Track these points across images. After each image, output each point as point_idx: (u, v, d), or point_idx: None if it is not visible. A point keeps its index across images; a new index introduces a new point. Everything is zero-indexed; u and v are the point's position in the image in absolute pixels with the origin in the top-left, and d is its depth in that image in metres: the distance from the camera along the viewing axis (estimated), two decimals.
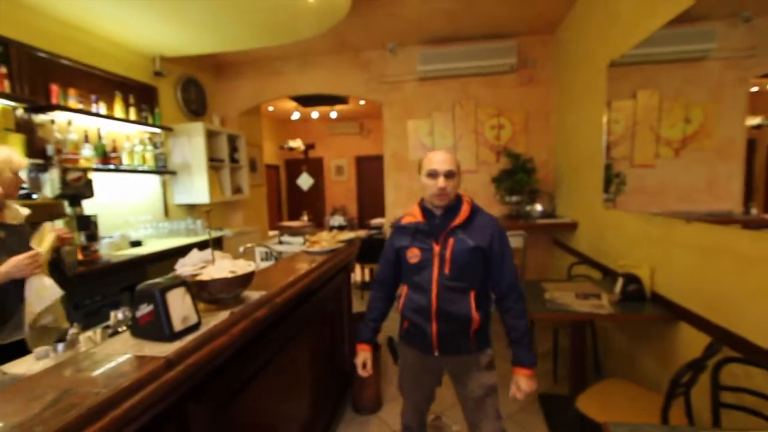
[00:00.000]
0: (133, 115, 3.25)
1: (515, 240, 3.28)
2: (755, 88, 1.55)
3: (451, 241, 1.42)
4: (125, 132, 3.26)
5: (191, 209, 4.06)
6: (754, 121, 1.55)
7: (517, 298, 1.46)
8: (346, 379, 2.51)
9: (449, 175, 1.40)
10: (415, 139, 4.29)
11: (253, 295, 1.31)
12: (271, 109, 7.16)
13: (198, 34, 3.12)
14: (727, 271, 1.58)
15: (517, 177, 3.80)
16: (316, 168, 8.89)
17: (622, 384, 1.86)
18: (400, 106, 4.29)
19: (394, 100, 4.29)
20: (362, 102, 6.37)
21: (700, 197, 1.90)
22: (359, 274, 5.33)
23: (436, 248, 1.43)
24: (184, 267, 1.17)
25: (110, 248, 2.82)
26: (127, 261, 2.63)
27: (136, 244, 3.04)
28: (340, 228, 2.74)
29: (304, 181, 7.16)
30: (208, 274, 1.13)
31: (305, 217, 8.26)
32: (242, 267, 1.19)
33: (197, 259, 1.21)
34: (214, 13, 2.75)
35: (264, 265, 2.49)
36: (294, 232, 3.20)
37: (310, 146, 8.43)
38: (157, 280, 0.98)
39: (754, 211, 1.56)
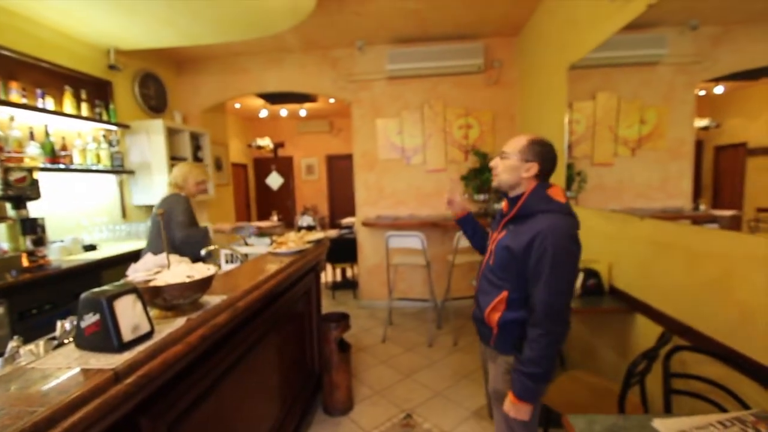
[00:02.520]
0: (85, 111, 3.06)
1: None
2: (702, 92, 1.65)
3: (503, 233, 1.36)
4: (77, 129, 3.07)
5: (151, 210, 3.87)
6: (702, 123, 1.63)
7: (542, 333, 1.22)
8: (316, 380, 2.48)
9: (502, 155, 1.37)
10: (385, 138, 4.29)
11: (213, 299, 1.26)
12: (237, 106, 6.95)
13: (154, 28, 2.97)
14: (677, 265, 1.67)
15: (485, 176, 3.87)
16: (285, 167, 8.73)
17: (583, 375, 1.93)
18: (369, 105, 4.27)
19: (363, 99, 4.27)
20: (332, 100, 6.30)
21: (654, 194, 2.01)
22: (330, 274, 5.28)
23: (493, 236, 1.43)
24: (136, 272, 1.11)
25: (61, 253, 2.65)
26: (79, 266, 2.47)
27: (91, 248, 2.87)
28: (309, 228, 2.69)
29: (274, 180, 7.01)
30: (162, 280, 1.07)
31: (275, 217, 8.09)
32: (200, 271, 1.14)
33: (151, 263, 1.15)
34: (169, 5, 2.62)
35: (229, 267, 2.41)
36: (261, 232, 3.12)
37: (279, 145, 8.28)
38: (105, 287, 0.92)
39: (702, 207, 1.65)
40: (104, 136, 3.26)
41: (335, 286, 5.14)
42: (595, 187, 2.54)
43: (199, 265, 1.20)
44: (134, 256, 2.90)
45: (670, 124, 1.89)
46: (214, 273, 1.17)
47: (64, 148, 2.85)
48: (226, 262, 2.50)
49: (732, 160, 1.48)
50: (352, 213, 6.17)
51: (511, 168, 1.34)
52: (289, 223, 8.54)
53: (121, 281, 1.09)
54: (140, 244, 3.13)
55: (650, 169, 2.02)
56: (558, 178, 2.93)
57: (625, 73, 2.22)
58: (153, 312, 1.09)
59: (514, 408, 1.27)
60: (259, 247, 2.59)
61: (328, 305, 4.53)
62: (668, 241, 1.74)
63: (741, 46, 1.43)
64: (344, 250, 4.80)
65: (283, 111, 7.23)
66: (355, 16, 3.42)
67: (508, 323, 1.34)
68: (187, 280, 1.08)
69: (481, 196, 4.00)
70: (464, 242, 3.32)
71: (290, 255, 2.09)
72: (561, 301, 1.23)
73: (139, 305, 0.93)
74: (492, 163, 1.41)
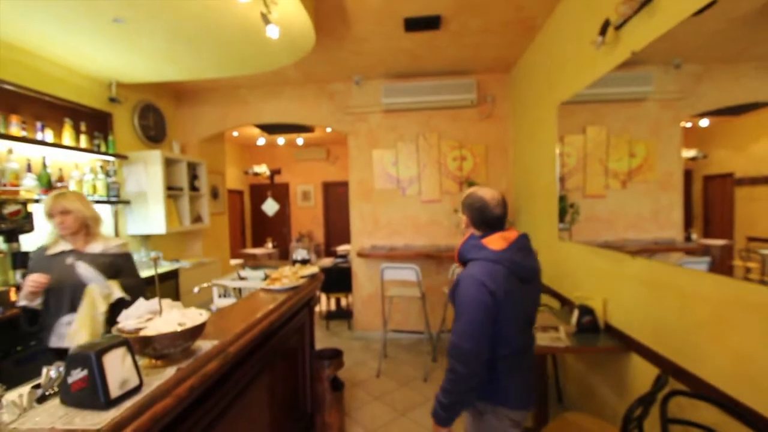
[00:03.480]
0: (84, 143, 3.09)
1: None
2: (689, 124, 1.71)
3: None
4: (74, 160, 3.09)
5: (146, 240, 3.85)
6: (690, 153, 1.68)
7: (449, 369, 1.31)
8: (308, 420, 2.40)
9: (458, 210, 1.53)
10: (381, 169, 4.35)
11: (204, 345, 1.24)
12: (235, 134, 7.05)
13: (156, 63, 3.05)
14: (670, 305, 1.68)
15: None
16: (281, 193, 8.77)
17: (581, 418, 1.89)
18: (366, 136, 4.36)
19: (359, 130, 4.36)
20: (329, 129, 6.42)
21: (646, 225, 2.02)
22: (324, 303, 5.22)
23: None
24: (128, 320, 1.10)
25: None
26: None
27: None
28: (303, 262, 2.68)
29: (270, 206, 7.03)
30: (154, 328, 1.06)
31: (269, 244, 8.05)
32: (192, 318, 1.13)
33: (143, 309, 1.14)
34: (171, 44, 2.71)
35: (222, 302, 2.39)
36: (255, 264, 3.10)
37: (275, 171, 8.35)
38: (96, 340, 0.91)
39: (694, 236, 1.66)
40: (101, 166, 3.28)
41: (329, 316, 5.06)
42: (587, 218, 2.58)
43: (191, 310, 1.19)
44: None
45: (659, 157, 1.94)
46: (206, 319, 1.15)
47: (60, 179, 2.86)
48: (219, 296, 2.47)
49: (720, 190, 1.50)
50: (347, 240, 6.17)
51: (463, 220, 1.52)
52: (283, 250, 8.51)
53: (113, 331, 1.08)
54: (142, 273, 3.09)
55: (641, 201, 2.05)
56: (551, 212, 2.98)
57: (613, 108, 2.30)
58: (142, 361, 1.08)
59: (434, 429, 1.38)
60: (252, 281, 2.56)
61: (321, 337, 4.46)
62: (660, 280, 1.75)
63: (722, 83, 1.48)
64: (339, 280, 4.77)
65: (281, 139, 7.33)
66: (354, 54, 3.54)
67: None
68: (179, 328, 1.07)
69: None
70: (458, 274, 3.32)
71: (284, 292, 2.08)
72: (464, 344, 1.28)
73: (128, 359, 0.91)
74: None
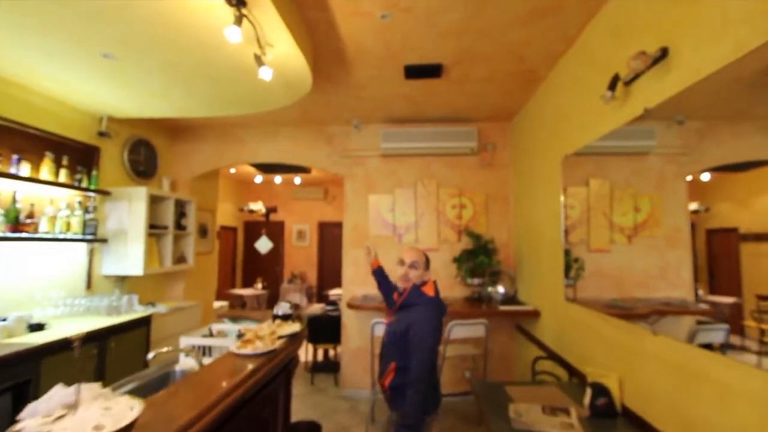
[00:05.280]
0: (64, 177, 2.93)
1: (476, 329, 3.08)
2: (689, 177, 1.68)
3: (394, 318, 1.97)
4: (50, 195, 2.91)
5: (121, 281, 3.59)
6: (692, 206, 1.65)
7: (416, 388, 1.73)
8: None
9: (412, 265, 1.98)
10: (376, 214, 4.18)
11: None
12: (232, 171, 6.97)
13: (148, 100, 2.97)
14: (705, 397, 1.43)
15: (479, 260, 3.70)
16: (276, 232, 8.57)
17: None
18: (363, 180, 4.23)
19: (356, 174, 4.24)
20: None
21: (655, 283, 1.88)
22: (310, 352, 4.84)
23: (387, 319, 2.07)
24: (33, 418, 0.85)
25: (1, 334, 2.33)
26: (15, 354, 2.14)
27: (37, 328, 2.55)
28: (285, 318, 2.43)
29: (263, 244, 6.80)
30: (61, 430, 0.81)
31: (259, 285, 7.74)
32: (117, 415, 0.89)
33: (56, 401, 0.89)
34: (164, 81, 2.63)
35: (187, 363, 2.11)
36: (236, 316, 2.84)
37: (271, 209, 8.20)
38: None
39: (700, 292, 1.59)
40: (80, 202, 3.10)
41: (315, 369, 4.68)
42: (592, 274, 2.41)
43: (120, 402, 0.95)
44: (88, 338, 2.59)
45: (664, 212, 1.85)
46: (137, 417, 0.91)
47: (31, 215, 2.67)
48: (186, 356, 2.19)
49: (725, 245, 1.48)
50: (340, 283, 5.90)
51: (420, 274, 1.97)
52: (274, 290, 8.17)
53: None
54: (99, 321, 2.82)
55: (648, 257, 1.93)
56: (555, 269, 2.77)
57: (617, 161, 2.22)
58: None
59: None
60: (227, 338, 2.30)
61: (304, 393, 4.08)
62: (690, 365, 1.51)
63: (724, 140, 1.48)
64: (327, 329, 4.45)
65: (278, 178, 7.24)
66: (352, 98, 3.48)
67: (396, 386, 1.84)
68: None
69: (475, 280, 3.79)
70: (457, 332, 3.05)
71: (257, 357, 1.82)
72: (424, 370, 1.74)
73: None
74: (402, 271, 1.99)
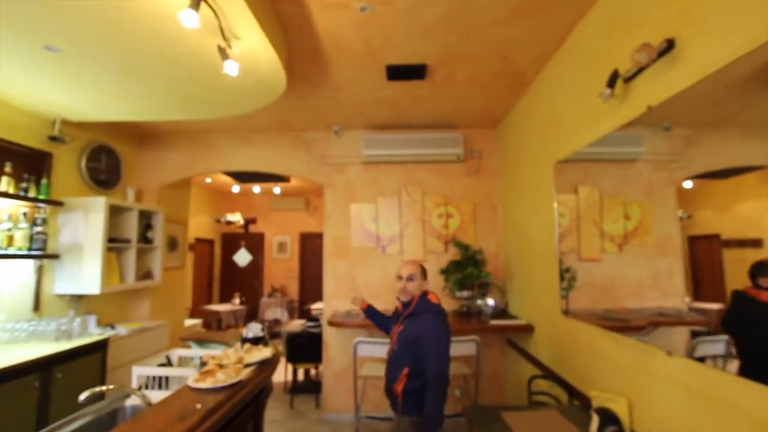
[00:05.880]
0: (5, 185, 2.61)
1: (467, 346, 2.87)
2: (686, 183, 1.64)
3: (401, 326, 2.04)
4: None
5: (77, 301, 3.24)
6: (677, 214, 1.65)
7: (433, 386, 1.85)
8: None
9: (409, 278, 2.08)
10: (359, 225, 3.96)
11: None
12: (208, 180, 6.66)
13: (103, 100, 2.69)
14: (734, 429, 1.24)
15: (468, 271, 3.51)
16: (256, 244, 8.23)
17: None
18: (344, 189, 4.01)
19: (336, 183, 4.02)
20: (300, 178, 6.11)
21: (647, 293, 1.83)
22: (289, 371, 4.52)
23: (394, 328, 2.12)
24: None
25: None
26: None
27: None
28: (255, 341, 2.16)
29: (242, 257, 6.48)
30: None
31: (237, 300, 7.36)
32: None
33: None
34: (118, 80, 2.37)
35: (134, 400, 1.82)
36: (203, 339, 2.55)
37: (250, 221, 7.87)
38: None
39: (687, 299, 1.58)
40: (25, 213, 2.77)
41: (295, 390, 4.36)
42: (584, 284, 2.30)
43: None
44: (23, 370, 2.26)
45: (655, 219, 1.81)
46: None
47: None
48: (139, 388, 1.90)
49: (707, 251, 1.49)
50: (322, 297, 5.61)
51: (418, 285, 2.07)
52: (253, 305, 7.79)
53: None
54: (44, 348, 2.49)
55: (639, 266, 1.88)
56: (549, 280, 2.60)
57: (605, 168, 2.16)
58: None
59: None
60: (188, 367, 2.02)
61: (282, 418, 3.77)
62: (713, 393, 1.33)
63: (711, 147, 1.47)
64: (308, 348, 4.16)
65: (256, 188, 6.95)
66: (332, 102, 3.28)
67: (410, 391, 1.93)
68: None
69: (464, 293, 3.59)
70: None
71: (217, 392, 1.55)
72: (442, 370, 1.85)
73: None
74: (401, 285, 2.08)
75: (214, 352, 2.15)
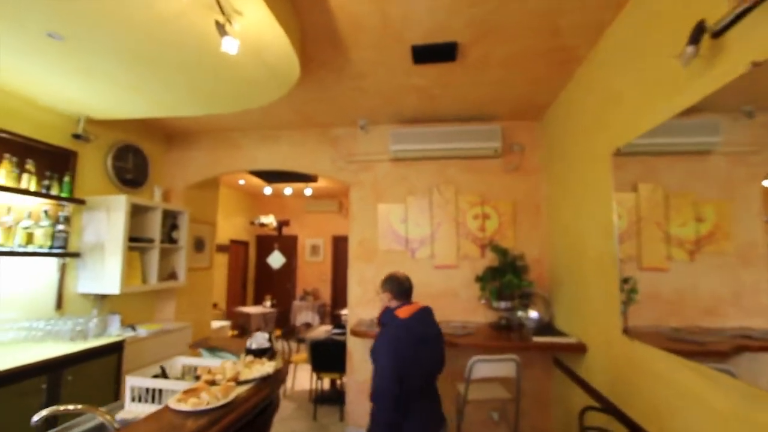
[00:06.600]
0: (26, 183, 2.59)
1: (505, 367, 2.48)
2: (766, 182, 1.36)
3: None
4: (8, 203, 2.56)
5: (101, 300, 3.21)
6: (763, 217, 1.39)
7: (374, 403, 1.75)
8: None
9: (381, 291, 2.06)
10: (386, 226, 3.67)
11: None
12: (241, 182, 6.67)
13: (122, 95, 2.62)
14: None
15: (506, 279, 3.11)
16: (289, 246, 8.19)
17: None
18: (371, 188, 3.75)
19: (363, 181, 3.76)
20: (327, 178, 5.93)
21: (727, 310, 1.52)
22: (314, 381, 4.29)
23: None
24: None
25: None
26: None
27: None
28: (260, 353, 1.93)
29: (275, 259, 6.40)
30: None
31: (268, 302, 7.32)
32: None
33: None
34: (131, 70, 2.26)
35: (135, 409, 1.64)
36: (214, 347, 2.37)
37: (283, 223, 7.80)
38: None
39: None
40: (47, 211, 2.75)
41: (319, 400, 4.13)
42: (646, 297, 1.91)
43: None
44: (32, 371, 2.18)
45: (735, 222, 1.51)
46: None
47: None
48: (133, 400, 1.73)
49: None
50: None
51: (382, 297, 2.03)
52: (285, 307, 7.73)
53: None
54: (58, 349, 2.42)
55: (716, 277, 1.57)
56: (608, 294, 2.16)
57: (670, 162, 1.80)
58: None
59: None
60: (188, 377, 1.82)
61: (304, 429, 3.54)
62: None
63: None
64: (333, 356, 3.93)
65: (288, 189, 6.88)
66: (355, 92, 3.03)
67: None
68: None
69: (502, 303, 3.19)
70: (479, 370, 2.46)
71: (200, 415, 1.32)
72: (381, 384, 1.73)
73: None
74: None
75: (213, 363, 1.94)
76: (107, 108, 2.89)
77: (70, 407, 1.22)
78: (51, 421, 1.58)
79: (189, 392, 1.41)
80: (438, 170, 3.64)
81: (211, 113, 2.98)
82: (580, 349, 2.54)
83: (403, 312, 1.89)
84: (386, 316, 1.94)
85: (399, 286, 1.99)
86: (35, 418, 1.14)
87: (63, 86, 2.51)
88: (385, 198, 3.71)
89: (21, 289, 2.68)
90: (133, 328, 3.17)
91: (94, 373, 2.56)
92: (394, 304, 1.97)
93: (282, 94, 2.60)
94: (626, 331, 2.01)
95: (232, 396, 1.45)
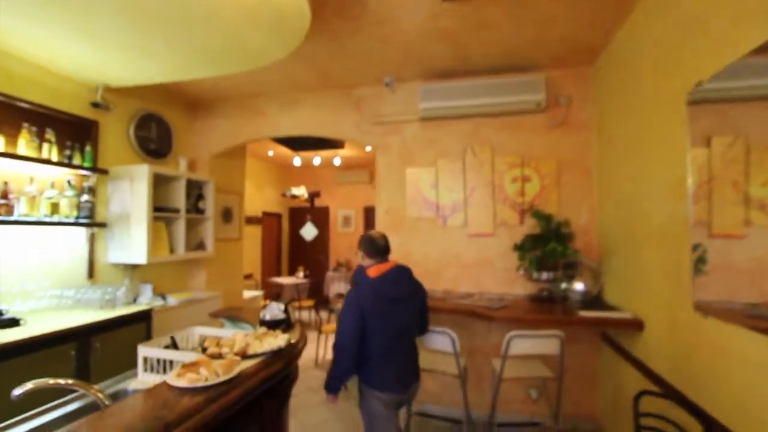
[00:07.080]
0: (47, 152, 2.57)
1: (547, 343, 2.23)
2: None
3: None
4: (30, 173, 2.56)
5: (132, 270, 3.25)
6: None
7: (334, 353, 1.87)
8: None
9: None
10: (416, 192, 3.42)
11: None
12: (270, 153, 6.59)
13: (132, 58, 2.48)
14: None
15: (549, 247, 2.79)
16: (321, 218, 8.15)
17: None
18: (398, 152, 3.48)
19: (390, 144, 3.50)
20: (369, 148, 5.68)
21: None
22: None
23: None
24: None
25: None
26: None
27: (12, 323, 2.20)
28: (274, 325, 1.80)
29: (308, 231, 6.38)
30: None
31: (301, 273, 7.37)
32: None
33: None
34: (133, 29, 2.10)
35: (148, 379, 1.58)
36: (235, 316, 2.28)
37: (314, 194, 7.73)
38: None
39: None
40: (70, 182, 2.74)
41: None
42: (716, 267, 1.61)
43: None
44: (64, 337, 2.20)
45: None
46: None
47: (4, 195, 2.32)
48: (146, 370, 1.66)
49: None
50: None
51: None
52: (318, 279, 7.78)
53: None
54: (87, 316, 2.44)
55: None
56: (675, 262, 1.81)
57: (750, 109, 1.48)
58: None
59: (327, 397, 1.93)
60: (181, 353, 1.72)
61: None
62: None
63: None
64: None
65: (317, 159, 6.72)
66: (376, 42, 2.73)
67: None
68: None
69: (544, 274, 2.89)
70: (517, 346, 2.22)
71: (198, 392, 1.20)
72: (341, 339, 1.84)
73: None
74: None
75: (228, 334, 1.83)
76: (122, 75, 2.78)
77: (61, 381, 1.12)
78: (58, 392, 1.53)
79: (188, 367, 1.29)
80: (472, 130, 3.30)
81: (222, 74, 2.80)
82: (635, 325, 2.22)
83: (373, 271, 1.91)
84: (358, 275, 1.97)
85: (371, 245, 1.99)
86: (18, 391, 1.05)
87: (74, 51, 2.41)
88: (415, 162, 3.44)
89: (54, 259, 2.72)
90: (164, 298, 3.19)
91: (122, 341, 2.58)
92: (367, 262, 1.97)
93: (295, 45, 2.36)
94: (698, 306, 1.68)
95: (234, 372, 1.31)
